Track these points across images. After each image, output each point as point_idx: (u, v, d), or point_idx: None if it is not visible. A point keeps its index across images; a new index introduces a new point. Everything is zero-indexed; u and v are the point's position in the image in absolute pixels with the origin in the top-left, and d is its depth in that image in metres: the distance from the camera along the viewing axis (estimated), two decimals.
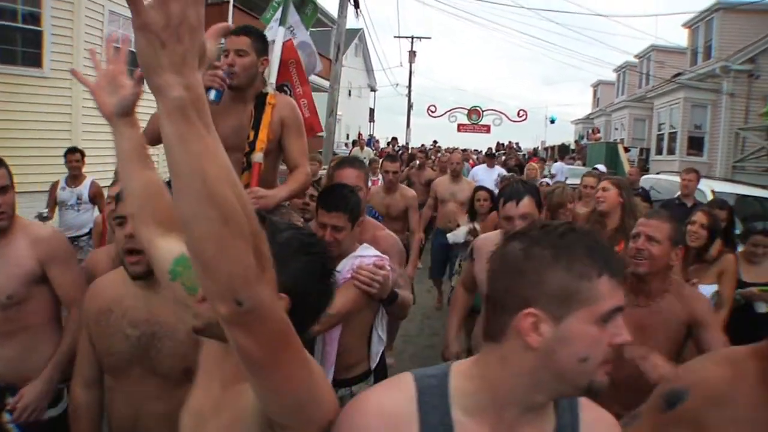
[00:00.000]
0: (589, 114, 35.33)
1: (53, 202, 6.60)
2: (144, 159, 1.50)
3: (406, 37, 37.42)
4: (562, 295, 1.09)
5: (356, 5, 16.16)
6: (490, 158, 11.21)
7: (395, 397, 1.18)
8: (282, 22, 3.76)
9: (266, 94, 3.19)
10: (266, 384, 1.08)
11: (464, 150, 15.87)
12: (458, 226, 6.30)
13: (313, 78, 16.67)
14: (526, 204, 2.89)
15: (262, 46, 3.15)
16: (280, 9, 3.90)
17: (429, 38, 44.87)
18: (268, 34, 3.68)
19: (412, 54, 37.82)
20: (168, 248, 1.47)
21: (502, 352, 1.15)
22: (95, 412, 2.25)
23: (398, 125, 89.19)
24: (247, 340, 0.99)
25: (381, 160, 6.61)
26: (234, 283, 0.93)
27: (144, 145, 1.52)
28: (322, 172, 7.53)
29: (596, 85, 35.37)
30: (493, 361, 1.17)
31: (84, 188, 6.64)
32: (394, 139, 24.71)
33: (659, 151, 20.07)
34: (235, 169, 3.11)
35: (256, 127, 3.09)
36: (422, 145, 26.40)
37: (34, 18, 8.33)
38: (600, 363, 1.09)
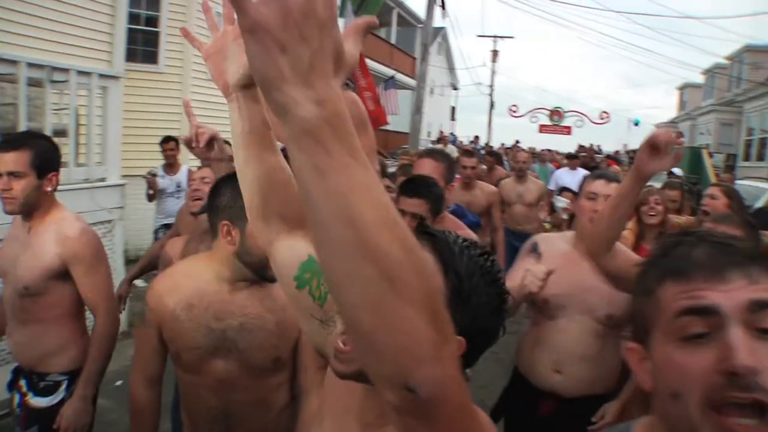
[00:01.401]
0: (674, 118, 34.43)
1: (154, 188, 6.74)
2: (266, 141, 1.23)
3: (489, 36, 37.42)
4: (640, 320, 0.94)
5: (443, 6, 16.46)
6: (572, 159, 11.01)
7: None
8: (342, 12, 3.42)
9: None
10: None
11: (549, 150, 15.71)
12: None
13: (399, 76, 17.17)
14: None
15: None
16: None
17: (512, 38, 44.62)
18: None
19: (495, 53, 37.77)
20: (294, 250, 1.23)
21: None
22: (156, 409, 2.21)
23: (478, 124, 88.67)
24: (422, 430, 0.74)
25: (457, 156, 6.16)
26: (404, 365, 0.66)
27: (266, 123, 1.23)
28: None
29: (683, 88, 34.39)
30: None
31: (182, 176, 6.74)
32: (477, 137, 24.75)
33: (747, 157, 19.56)
34: None
35: None
36: (502, 145, 26.31)
37: (153, 21, 9.35)
38: (699, 401, 0.81)
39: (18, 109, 4.83)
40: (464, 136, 30.88)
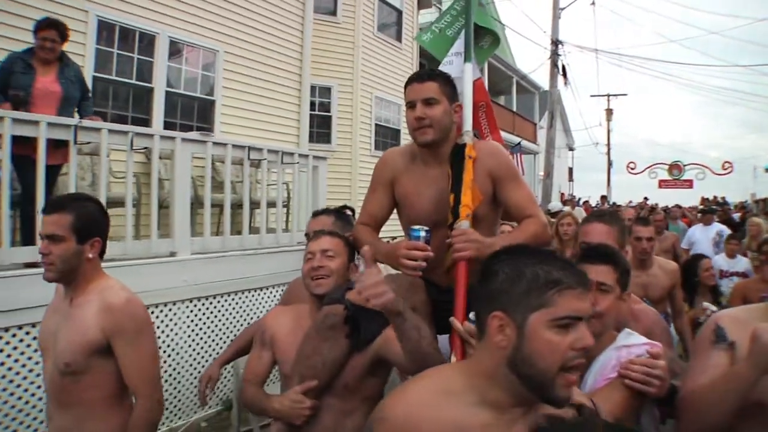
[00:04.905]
0: None
1: None
2: None
3: (602, 96, 37.50)
4: None
5: (564, 75, 17.38)
6: (706, 214, 9.60)
7: None
8: (467, 57, 2.91)
9: (463, 145, 2.50)
10: None
11: (678, 207, 15.08)
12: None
13: (523, 143, 17.90)
14: None
15: (453, 90, 2.56)
16: (461, 39, 3.03)
17: (625, 95, 44.54)
18: (445, 70, 2.97)
19: (609, 112, 37.78)
20: None
21: None
22: None
23: (595, 183, 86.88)
24: None
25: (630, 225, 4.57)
26: None
27: None
28: None
29: None
30: None
31: None
32: (603, 197, 24.40)
33: None
34: (441, 250, 2.39)
35: (457, 190, 2.42)
36: (630, 203, 25.68)
37: (326, 107, 10.89)
38: None
39: (243, 184, 6.15)
40: (585, 196, 30.76)
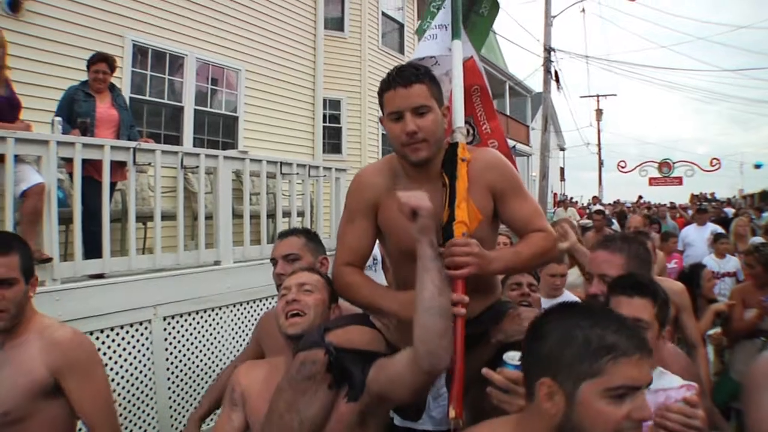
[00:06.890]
0: None
1: None
2: None
3: (592, 96, 37.94)
4: None
5: (557, 80, 17.90)
6: (701, 214, 9.33)
7: None
8: (455, 32, 2.44)
9: (455, 145, 2.14)
10: None
11: (672, 207, 15.00)
12: None
13: (514, 145, 18.25)
14: None
15: (440, 89, 2.12)
16: (445, 9, 2.56)
17: (614, 95, 45.07)
18: (424, 47, 2.61)
19: (599, 112, 38.20)
20: None
21: None
22: None
23: (586, 181, 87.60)
24: None
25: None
26: None
27: None
28: None
29: None
30: None
31: (376, 249, 7.63)
32: (595, 198, 24.68)
33: None
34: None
35: (452, 202, 2.05)
36: (618, 201, 26.04)
37: (336, 119, 11.47)
38: None
39: (274, 197, 6.61)
40: (577, 196, 31.22)
